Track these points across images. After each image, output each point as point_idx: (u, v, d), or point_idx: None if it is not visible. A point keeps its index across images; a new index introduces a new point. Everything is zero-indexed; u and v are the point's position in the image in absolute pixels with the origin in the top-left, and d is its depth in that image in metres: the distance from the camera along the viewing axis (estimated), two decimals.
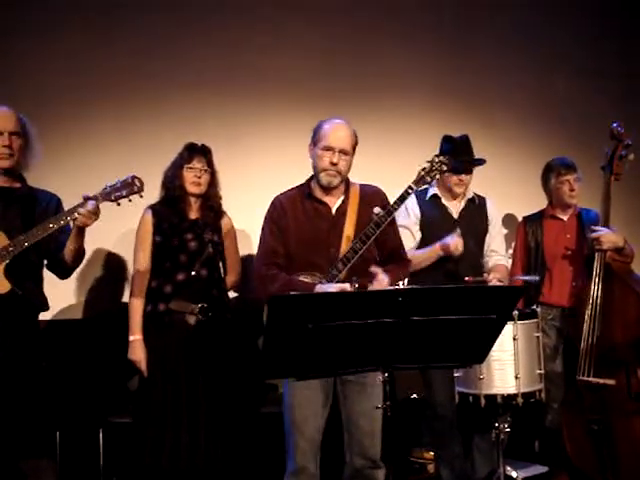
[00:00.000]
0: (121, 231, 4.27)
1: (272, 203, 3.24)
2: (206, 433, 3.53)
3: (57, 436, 3.98)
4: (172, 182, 3.66)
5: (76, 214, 3.11)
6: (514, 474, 3.62)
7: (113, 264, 4.36)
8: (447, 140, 3.85)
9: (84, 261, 4.22)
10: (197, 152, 3.68)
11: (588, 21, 5.35)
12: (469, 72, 5.07)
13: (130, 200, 3.19)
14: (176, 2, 4.58)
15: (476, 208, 3.94)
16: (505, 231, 4.44)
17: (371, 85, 4.88)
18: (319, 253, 3.11)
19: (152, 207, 3.68)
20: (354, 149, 3.19)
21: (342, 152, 3.13)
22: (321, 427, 3.15)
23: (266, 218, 3.24)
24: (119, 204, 3.18)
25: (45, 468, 3.43)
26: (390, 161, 4.69)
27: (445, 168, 3.20)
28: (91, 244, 4.27)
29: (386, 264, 3.25)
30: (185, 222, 3.65)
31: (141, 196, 3.21)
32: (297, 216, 3.16)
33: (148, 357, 3.58)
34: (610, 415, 3.67)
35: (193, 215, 3.69)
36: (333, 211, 3.19)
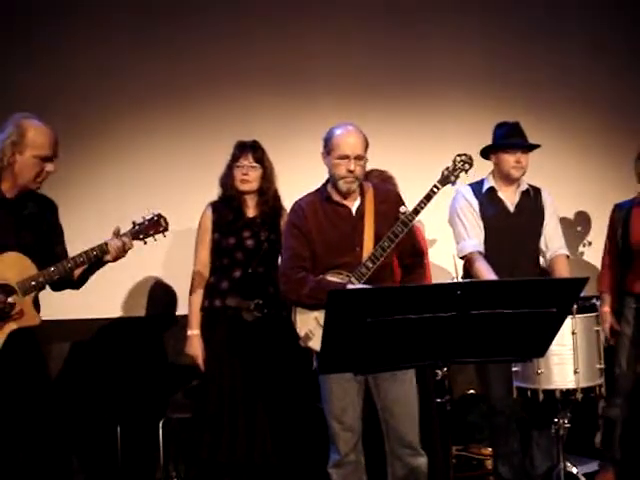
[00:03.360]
0: (177, 230, 4.36)
1: (292, 208, 3.29)
2: (262, 429, 3.57)
3: (118, 430, 4.08)
4: (225, 182, 3.73)
5: (109, 248, 3.00)
6: (574, 470, 3.54)
7: (172, 265, 4.42)
8: (499, 125, 3.84)
9: (146, 262, 4.34)
10: (244, 150, 3.70)
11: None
12: (522, 66, 4.96)
13: (155, 240, 3.13)
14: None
15: (531, 200, 3.87)
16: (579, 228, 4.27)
17: (419, 78, 4.87)
18: (344, 254, 3.16)
19: (213, 204, 3.76)
20: (366, 151, 3.23)
21: (357, 158, 3.17)
22: (359, 416, 3.19)
23: (288, 223, 3.29)
24: (145, 242, 3.12)
25: None
26: (441, 153, 4.64)
27: (467, 167, 3.24)
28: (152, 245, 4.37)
29: (407, 268, 3.32)
30: (241, 220, 3.70)
31: (164, 236, 3.13)
32: (319, 220, 3.21)
33: (205, 352, 3.63)
34: None
35: (251, 213, 3.74)
36: (353, 212, 3.24)
